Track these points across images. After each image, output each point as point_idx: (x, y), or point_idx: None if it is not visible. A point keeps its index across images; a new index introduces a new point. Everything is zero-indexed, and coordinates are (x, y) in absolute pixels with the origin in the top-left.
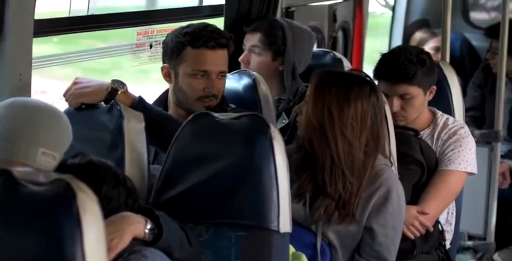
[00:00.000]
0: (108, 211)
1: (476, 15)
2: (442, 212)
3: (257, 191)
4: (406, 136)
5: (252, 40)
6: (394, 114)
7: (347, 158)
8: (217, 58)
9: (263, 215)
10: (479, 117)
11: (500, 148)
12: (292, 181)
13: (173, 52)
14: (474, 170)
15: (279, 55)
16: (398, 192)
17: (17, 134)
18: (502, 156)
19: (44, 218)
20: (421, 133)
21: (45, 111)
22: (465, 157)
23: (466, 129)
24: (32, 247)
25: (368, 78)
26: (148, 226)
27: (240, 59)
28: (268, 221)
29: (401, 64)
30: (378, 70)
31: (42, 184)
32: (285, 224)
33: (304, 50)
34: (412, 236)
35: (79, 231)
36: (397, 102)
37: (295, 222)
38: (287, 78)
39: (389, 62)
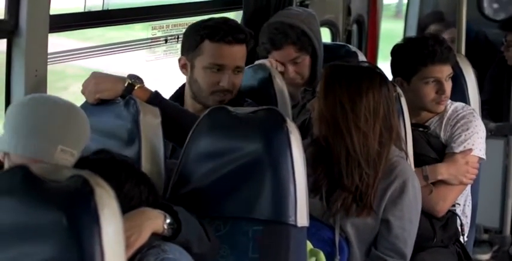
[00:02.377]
0: (129, 208)
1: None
2: (458, 196)
3: (274, 185)
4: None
5: (288, 55)
6: (443, 99)
7: (362, 149)
8: (235, 53)
9: (280, 209)
10: (495, 110)
11: None
12: (307, 176)
13: (191, 45)
14: (482, 155)
15: (311, 50)
16: (414, 184)
17: (34, 131)
18: None
19: (63, 213)
20: (429, 121)
21: (63, 107)
22: (473, 141)
23: (476, 114)
24: (51, 243)
25: (378, 70)
26: (167, 221)
27: (292, 77)
28: (285, 215)
29: (444, 46)
30: (424, 55)
31: (60, 180)
32: (302, 218)
33: (318, 32)
34: (471, 182)
35: (97, 227)
36: (449, 84)
37: (312, 217)
38: (320, 68)
39: (432, 46)
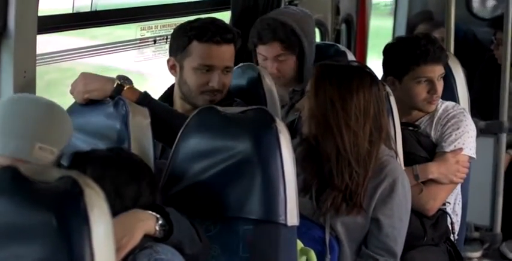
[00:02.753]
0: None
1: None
2: (448, 194)
3: (264, 184)
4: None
5: (272, 51)
6: (435, 99)
7: (353, 148)
8: (223, 53)
9: (270, 208)
10: (485, 108)
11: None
12: (297, 175)
13: (179, 46)
14: (472, 154)
15: (299, 51)
16: (404, 183)
17: (10, 130)
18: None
19: (52, 214)
20: (419, 120)
21: (41, 106)
22: (464, 140)
23: (466, 113)
24: (40, 244)
25: (368, 69)
26: (159, 223)
27: (271, 72)
28: (275, 214)
29: (437, 46)
30: (417, 54)
31: (49, 180)
32: (292, 217)
33: (311, 33)
34: (462, 181)
35: (87, 227)
36: (440, 84)
37: (302, 216)
38: (308, 69)
39: (425, 45)
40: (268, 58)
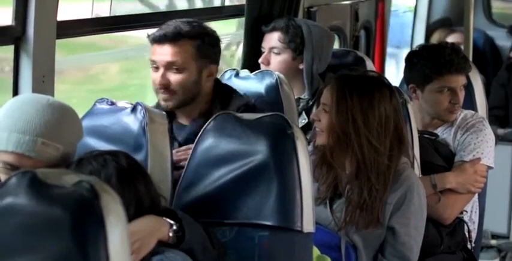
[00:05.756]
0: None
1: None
2: (466, 204)
3: (280, 191)
4: (419, 140)
5: (270, 40)
6: (456, 108)
7: (373, 164)
8: (164, 49)
9: (287, 215)
10: (503, 116)
11: None
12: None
13: None
14: (490, 163)
15: (299, 54)
16: (419, 191)
17: (13, 125)
18: None
19: (68, 220)
20: (438, 129)
21: (46, 104)
22: (483, 149)
23: (486, 122)
24: (56, 249)
25: (385, 80)
26: (173, 229)
27: (259, 61)
28: (291, 221)
29: (461, 56)
30: (441, 64)
31: (66, 185)
32: (308, 224)
33: (323, 48)
34: (479, 191)
35: (103, 233)
36: (462, 94)
37: (318, 223)
38: (307, 76)
39: (449, 55)
40: (265, 48)
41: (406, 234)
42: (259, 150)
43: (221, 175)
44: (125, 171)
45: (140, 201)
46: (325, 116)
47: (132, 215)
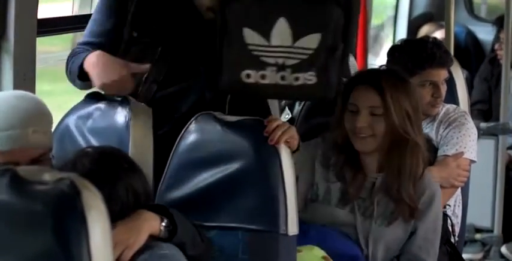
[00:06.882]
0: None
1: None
2: (449, 198)
3: (264, 194)
4: None
5: None
6: (438, 102)
7: (414, 169)
8: None
9: (271, 219)
10: (486, 110)
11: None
12: (331, 183)
13: None
14: (473, 157)
15: None
16: (439, 194)
17: (3, 123)
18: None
19: (49, 216)
20: None
21: (19, 96)
22: (465, 143)
23: (468, 116)
24: (38, 246)
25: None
26: (164, 223)
27: None
28: (276, 225)
29: (443, 50)
30: (423, 58)
31: (47, 182)
32: (293, 227)
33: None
34: (462, 185)
35: (84, 229)
36: (444, 88)
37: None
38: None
39: (431, 49)
40: None
41: (423, 238)
42: (241, 151)
43: (203, 176)
44: (121, 168)
45: (138, 196)
46: (378, 120)
47: (131, 211)
